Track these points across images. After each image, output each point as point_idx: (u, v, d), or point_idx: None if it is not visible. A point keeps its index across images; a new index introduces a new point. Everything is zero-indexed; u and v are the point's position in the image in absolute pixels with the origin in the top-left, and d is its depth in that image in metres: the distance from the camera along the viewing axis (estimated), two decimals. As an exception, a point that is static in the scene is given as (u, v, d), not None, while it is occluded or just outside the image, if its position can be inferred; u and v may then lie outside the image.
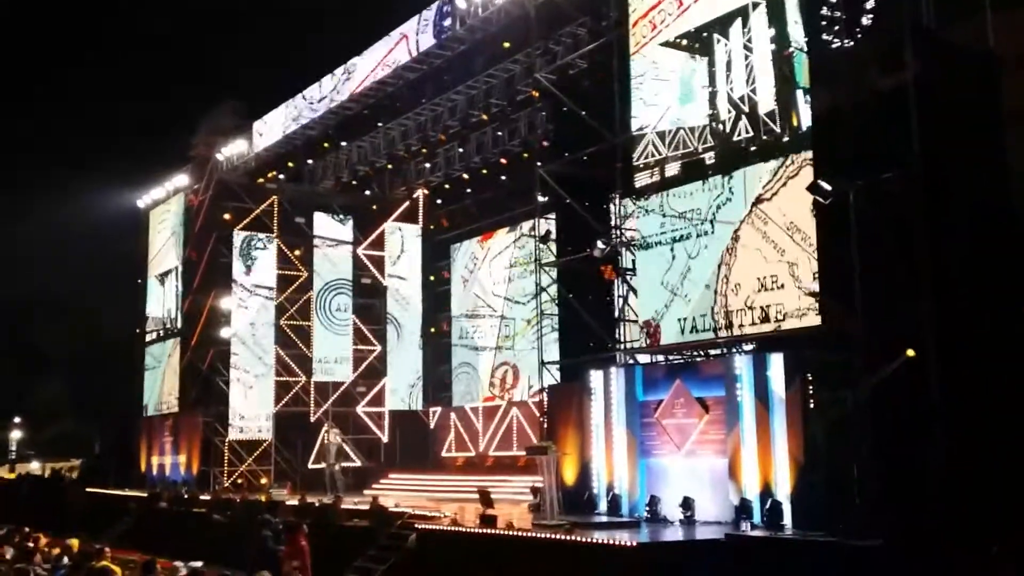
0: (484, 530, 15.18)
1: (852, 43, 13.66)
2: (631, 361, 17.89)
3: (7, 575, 11.24)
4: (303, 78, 26.79)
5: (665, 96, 17.23)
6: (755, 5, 15.60)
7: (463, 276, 29.68)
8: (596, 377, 17.68)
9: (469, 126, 24.99)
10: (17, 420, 52.85)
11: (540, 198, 20.78)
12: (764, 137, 15.33)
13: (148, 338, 34.11)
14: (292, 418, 28.99)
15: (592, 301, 19.18)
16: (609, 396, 17.31)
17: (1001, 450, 11.75)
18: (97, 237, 41.03)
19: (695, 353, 16.82)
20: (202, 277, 29.81)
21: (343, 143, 27.21)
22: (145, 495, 28.71)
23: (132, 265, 35.52)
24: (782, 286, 14.71)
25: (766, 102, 15.36)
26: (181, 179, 31.92)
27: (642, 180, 17.47)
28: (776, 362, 14.37)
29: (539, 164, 20.58)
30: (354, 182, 29.02)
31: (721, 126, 16.15)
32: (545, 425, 20.06)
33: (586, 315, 18.69)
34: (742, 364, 15.01)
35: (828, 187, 12.99)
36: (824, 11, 14.21)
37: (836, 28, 13.99)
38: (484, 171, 26.61)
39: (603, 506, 17.00)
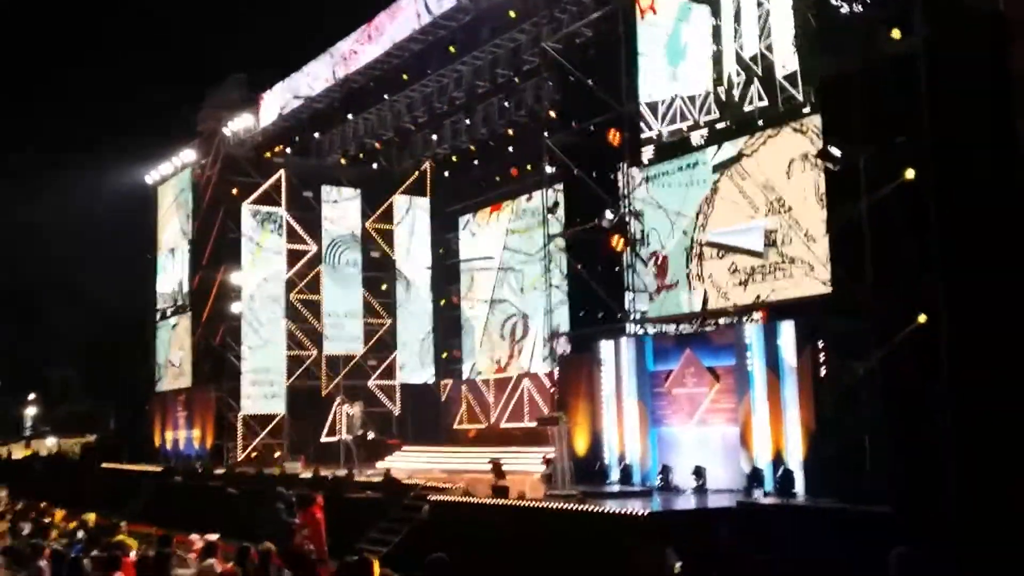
0: (496, 501, 15.27)
1: (861, 7, 13.48)
2: (641, 331, 17.88)
3: (24, 550, 11.34)
4: (309, 51, 26.66)
5: (663, 61, 17.08)
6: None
7: (471, 245, 29.68)
8: (606, 347, 17.69)
9: (475, 97, 24.84)
10: (31, 397, 53.26)
11: (547, 169, 20.68)
12: (782, 107, 15.14)
13: (159, 314, 34.23)
14: (304, 392, 29.13)
15: (601, 272, 19.13)
16: (619, 366, 17.32)
17: (1012, 418, 11.70)
18: (106, 214, 41.13)
19: (707, 324, 16.79)
20: (211, 252, 29.86)
21: (349, 116, 27.09)
22: (160, 470, 28.98)
23: (142, 241, 35.59)
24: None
25: (784, 61, 15.05)
26: (188, 154, 31.88)
27: (648, 153, 17.43)
28: (787, 331, 14.35)
29: (546, 135, 20.47)
30: (361, 155, 28.94)
31: (727, 92, 15.99)
32: (556, 396, 20.10)
33: (595, 285, 18.65)
34: (752, 333, 14.99)
35: (838, 154, 12.90)
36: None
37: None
38: (491, 142, 26.49)
39: (615, 476, 17.06)
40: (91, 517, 15.04)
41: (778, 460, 14.11)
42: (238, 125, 29.03)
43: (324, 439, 28.59)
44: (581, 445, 17.80)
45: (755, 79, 15.52)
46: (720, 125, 16.19)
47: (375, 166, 30.00)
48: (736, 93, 15.85)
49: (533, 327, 26.37)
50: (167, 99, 50.24)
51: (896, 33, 12.53)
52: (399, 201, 31.05)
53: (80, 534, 13.60)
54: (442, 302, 31.05)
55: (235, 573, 9.31)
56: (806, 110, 14.74)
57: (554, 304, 20.69)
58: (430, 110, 25.58)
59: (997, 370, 11.44)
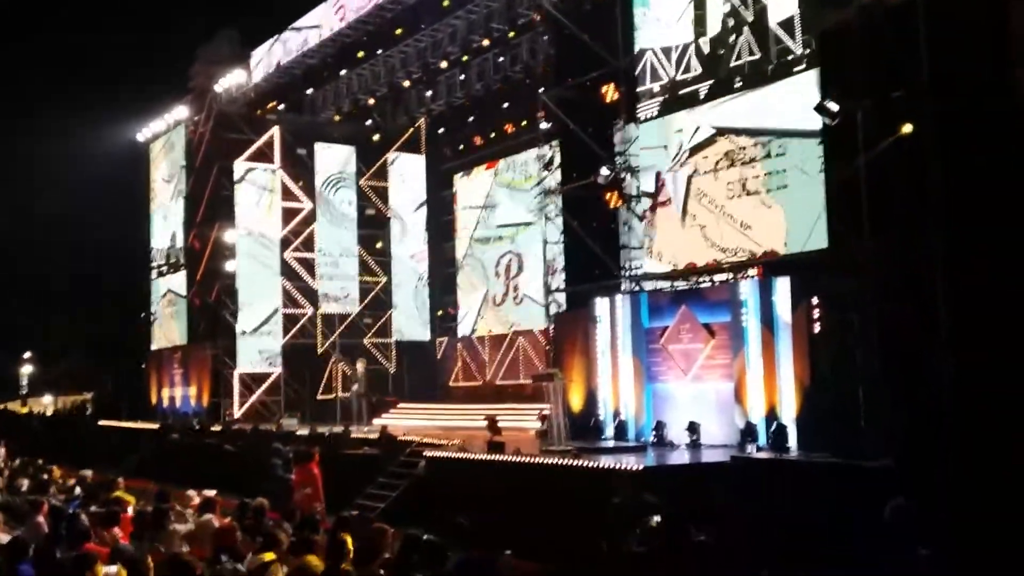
0: (492, 457, 15.34)
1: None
2: (636, 288, 17.87)
3: (22, 506, 11.38)
4: (301, 4, 26.32)
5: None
6: None
7: (466, 204, 29.57)
8: (601, 304, 17.69)
9: (470, 52, 24.59)
10: (27, 355, 53.29)
11: (543, 125, 20.53)
12: (776, 60, 14.98)
13: (154, 272, 34.15)
14: (300, 350, 29.17)
15: (596, 228, 19.06)
16: (615, 323, 17.34)
17: (1009, 373, 11.73)
18: (100, 172, 40.79)
19: (700, 279, 16.77)
20: (205, 210, 29.72)
21: (343, 72, 26.82)
22: (157, 427, 29.08)
23: (135, 200, 35.38)
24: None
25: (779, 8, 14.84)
26: (181, 111, 31.58)
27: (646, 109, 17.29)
28: (782, 287, 14.34)
29: (541, 90, 20.29)
30: (355, 112, 28.69)
31: (711, 45, 15.82)
32: (551, 353, 20.13)
33: (591, 242, 18.60)
34: (748, 289, 14.98)
35: (835, 107, 12.80)
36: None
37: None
38: (486, 98, 26.27)
39: (610, 432, 17.15)
40: (88, 474, 15.09)
41: (772, 415, 14.18)
42: (230, 82, 28.73)
43: (320, 396, 28.67)
44: (576, 401, 17.87)
45: (744, 27, 15.30)
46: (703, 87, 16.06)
47: (369, 123, 29.77)
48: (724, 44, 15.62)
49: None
50: (159, 55, 49.58)
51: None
52: (393, 158, 30.85)
53: (78, 490, 13.66)
54: (439, 313, 30.92)
55: (233, 528, 9.33)
56: (799, 67, 14.57)
57: (550, 260, 20.68)
58: (424, 65, 25.34)
59: (996, 324, 11.45)
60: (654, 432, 16.03)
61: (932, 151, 12.04)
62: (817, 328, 13.84)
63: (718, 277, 16.43)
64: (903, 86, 12.39)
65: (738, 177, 15.52)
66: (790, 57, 14.85)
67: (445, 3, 22.94)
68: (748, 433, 14.31)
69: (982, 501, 10.07)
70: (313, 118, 29.21)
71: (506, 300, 27.71)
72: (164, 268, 33.41)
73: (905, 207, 12.24)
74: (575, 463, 13.71)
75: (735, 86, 15.66)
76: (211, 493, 11.39)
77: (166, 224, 33.27)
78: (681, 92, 16.68)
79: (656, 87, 17.22)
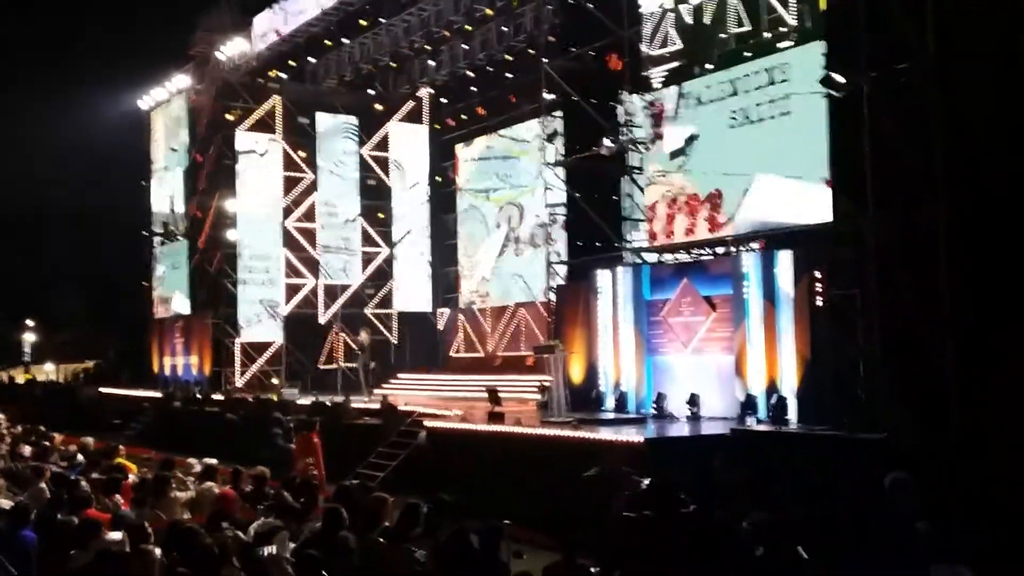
0: (492, 427, 15.39)
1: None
2: (638, 260, 17.84)
3: (24, 472, 11.44)
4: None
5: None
6: None
7: (468, 176, 29.48)
8: (603, 276, 17.67)
9: (473, 21, 24.40)
10: (30, 323, 53.40)
11: (546, 95, 20.41)
12: (767, 33, 14.83)
13: (155, 241, 34.13)
14: (302, 320, 29.21)
15: (599, 200, 19.01)
16: (616, 295, 17.32)
17: (1009, 347, 11.73)
18: (102, 140, 40.68)
19: (701, 252, 16.74)
20: (207, 179, 29.64)
21: (345, 40, 26.65)
22: (159, 395, 29.19)
23: (136, 168, 35.30)
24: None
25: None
26: (182, 79, 31.40)
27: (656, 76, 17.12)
28: (784, 260, 14.31)
29: (545, 60, 20.16)
30: (357, 81, 28.53)
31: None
32: (552, 325, 20.15)
33: (593, 214, 18.55)
34: (750, 262, 14.95)
35: (841, 80, 12.72)
36: None
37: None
38: (489, 68, 26.12)
39: (610, 403, 17.19)
40: (90, 441, 15.17)
41: (772, 388, 14.19)
42: (231, 50, 28.55)
43: (322, 366, 28.76)
44: (577, 373, 17.90)
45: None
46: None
47: (371, 92, 29.60)
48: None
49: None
50: (160, 23, 49.30)
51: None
52: (395, 128, 30.71)
53: (79, 457, 13.73)
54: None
55: (233, 496, 9.39)
56: (785, 44, 14.42)
57: (550, 231, 20.66)
58: (427, 35, 25.16)
59: (997, 299, 11.44)
60: (654, 404, 16.07)
61: (937, 123, 11.97)
62: (819, 301, 13.83)
63: (720, 249, 16.38)
64: (909, 58, 12.30)
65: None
66: (783, 29, 14.72)
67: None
68: (748, 405, 14.33)
69: (982, 475, 10.10)
70: (315, 87, 29.06)
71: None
72: (166, 237, 33.37)
73: (909, 180, 12.19)
74: (575, 434, 13.75)
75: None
76: (212, 461, 11.45)
77: (167, 193, 33.19)
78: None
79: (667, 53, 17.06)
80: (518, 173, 26.96)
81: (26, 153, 50.07)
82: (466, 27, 24.77)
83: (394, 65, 27.70)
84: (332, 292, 29.71)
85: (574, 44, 19.45)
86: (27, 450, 14.79)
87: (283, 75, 28.89)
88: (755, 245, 15.64)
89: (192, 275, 30.86)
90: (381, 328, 30.07)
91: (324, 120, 29.82)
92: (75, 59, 50.53)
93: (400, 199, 30.90)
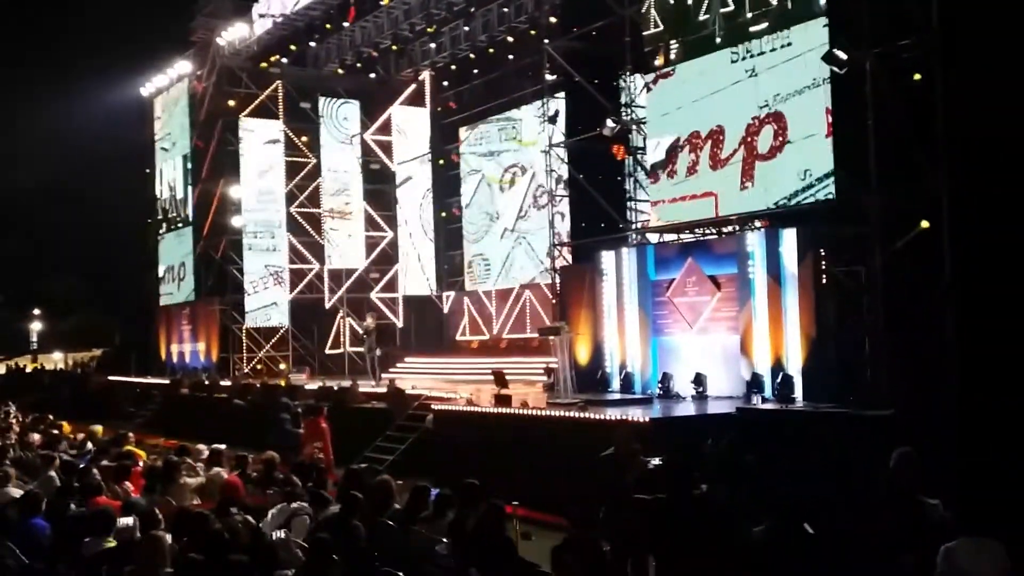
0: (499, 410, 15.44)
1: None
2: (643, 241, 17.82)
3: (34, 460, 11.53)
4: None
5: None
6: None
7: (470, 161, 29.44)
8: (608, 257, 17.66)
9: (474, 2, 24.30)
10: (37, 312, 53.58)
11: (548, 76, 20.35)
12: (766, 7, 14.75)
13: (161, 228, 34.20)
14: (307, 305, 29.27)
15: (603, 181, 18.98)
16: (621, 276, 17.32)
17: (1013, 323, 11.74)
18: (105, 126, 40.71)
19: (707, 231, 16.72)
20: (210, 165, 29.65)
21: (345, 24, 26.55)
22: (167, 382, 29.32)
23: (140, 155, 35.33)
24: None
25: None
26: (184, 65, 31.37)
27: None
28: (789, 238, 14.28)
29: (546, 41, 20.09)
30: (359, 65, 28.46)
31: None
32: (558, 307, 20.17)
33: (597, 195, 18.53)
34: (755, 241, 14.93)
35: (844, 56, 12.66)
36: None
37: None
38: (491, 50, 26.03)
39: (616, 384, 17.21)
40: (99, 429, 15.29)
41: (778, 367, 14.19)
42: (232, 35, 28.49)
43: (328, 351, 28.84)
44: (583, 354, 17.92)
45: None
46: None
47: (373, 76, 29.55)
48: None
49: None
50: (161, 8, 49.16)
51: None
52: (397, 112, 30.66)
53: (88, 445, 13.84)
54: (443, 213, 30.94)
55: (237, 483, 9.46)
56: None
57: (553, 214, 20.65)
58: (428, 17, 25.06)
59: (1000, 274, 11.43)
60: (660, 384, 16.08)
61: (940, 100, 11.92)
62: (824, 279, 13.82)
63: (725, 229, 16.36)
64: (913, 34, 12.24)
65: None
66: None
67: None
68: (754, 384, 14.32)
69: (986, 450, 10.12)
70: (316, 71, 29.00)
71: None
72: (171, 223, 33.44)
73: (912, 157, 12.16)
74: (582, 415, 13.78)
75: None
76: (221, 447, 11.53)
77: (171, 179, 33.23)
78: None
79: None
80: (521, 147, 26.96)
81: (29, 141, 50.13)
82: (467, 8, 24.66)
83: (395, 48, 27.60)
84: (337, 277, 29.75)
85: (576, 24, 19.35)
86: (36, 439, 14.90)
87: (284, 60, 28.82)
88: (759, 224, 15.61)
89: (197, 262, 30.93)
90: (387, 312, 30.12)
91: (326, 104, 29.78)
92: (77, 46, 50.42)
93: (403, 184, 30.89)
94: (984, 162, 11.69)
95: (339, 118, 29.94)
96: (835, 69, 12.99)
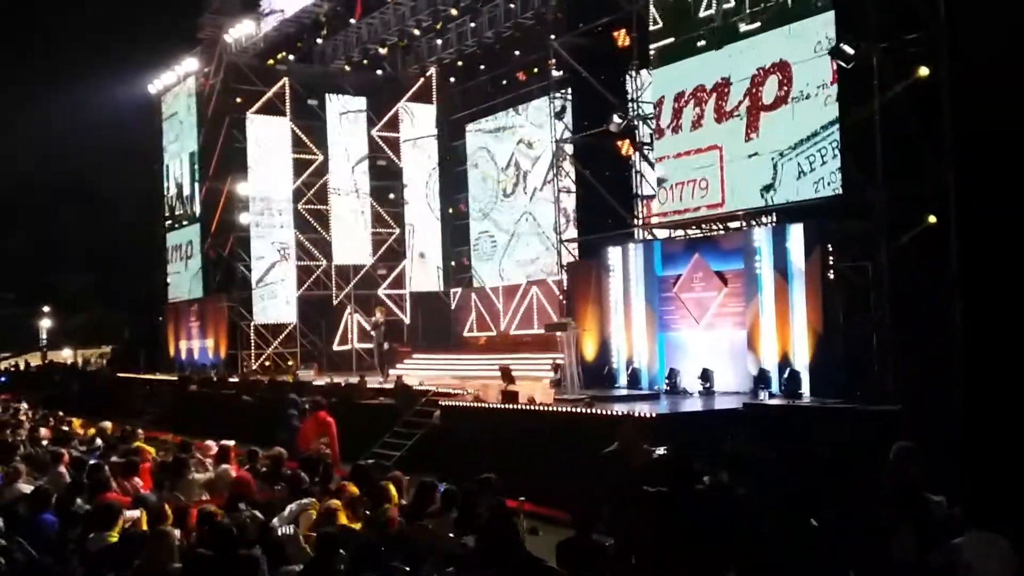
0: (506, 406, 15.46)
1: None
2: (650, 236, 17.81)
3: (43, 456, 11.59)
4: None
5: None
6: None
7: (477, 160, 29.50)
8: (614, 253, 17.66)
9: (481, -1, 24.31)
10: (46, 309, 53.76)
11: (555, 72, 20.34)
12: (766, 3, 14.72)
13: (168, 225, 34.30)
14: (315, 301, 29.33)
15: (609, 177, 18.97)
16: (628, 272, 17.32)
17: (1020, 318, 11.71)
18: (113, 123, 40.81)
19: (714, 226, 16.70)
20: (217, 163, 29.70)
21: (352, 21, 26.57)
22: (176, 379, 29.41)
23: (149, 151, 35.43)
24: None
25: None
26: (191, 63, 31.43)
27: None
28: (795, 233, 14.26)
29: (553, 37, 20.07)
30: (365, 62, 28.48)
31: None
32: (565, 303, 20.17)
33: (603, 191, 18.52)
34: (761, 236, 14.91)
35: (851, 51, 12.64)
36: None
37: None
38: (497, 46, 26.04)
39: (623, 380, 17.21)
40: (108, 425, 15.34)
41: (785, 362, 14.19)
42: (239, 32, 28.53)
43: (336, 347, 28.90)
44: (589, 350, 17.93)
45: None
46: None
47: (379, 73, 29.57)
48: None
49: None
50: (168, 5, 49.25)
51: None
52: (405, 108, 30.68)
53: (98, 441, 13.90)
54: (450, 210, 30.99)
55: (248, 478, 9.49)
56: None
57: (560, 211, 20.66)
58: (434, 13, 25.06)
59: (1007, 270, 11.40)
60: (667, 380, 16.08)
61: (947, 94, 11.90)
62: (830, 275, 13.80)
63: (732, 224, 16.34)
64: (919, 28, 12.21)
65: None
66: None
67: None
68: (761, 380, 14.33)
69: (992, 444, 10.10)
70: (323, 68, 29.03)
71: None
72: (178, 221, 33.53)
73: (918, 151, 12.13)
74: (589, 411, 13.80)
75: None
76: (229, 443, 11.57)
77: (179, 177, 33.32)
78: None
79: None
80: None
81: (37, 138, 50.28)
82: (473, 4, 24.65)
83: (402, 45, 27.61)
84: (344, 273, 29.80)
85: (581, 20, 19.34)
86: (46, 434, 14.97)
87: (291, 57, 28.85)
88: (766, 219, 15.59)
89: (205, 259, 31.01)
90: (394, 308, 30.17)
91: (333, 101, 29.80)
92: (85, 43, 50.55)
93: (411, 179, 30.93)
94: (990, 157, 11.65)
95: (346, 115, 29.96)
96: (842, 63, 12.96)
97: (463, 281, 30.25)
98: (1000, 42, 11.82)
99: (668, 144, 16.80)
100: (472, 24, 25.58)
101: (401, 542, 7.17)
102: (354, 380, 21.31)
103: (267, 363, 28.57)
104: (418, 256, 30.87)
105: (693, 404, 14.77)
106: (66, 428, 16.07)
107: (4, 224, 53.10)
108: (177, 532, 6.87)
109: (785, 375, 13.97)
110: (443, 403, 17.20)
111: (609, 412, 13.59)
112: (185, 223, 32.87)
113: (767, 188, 14.88)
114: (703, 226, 16.79)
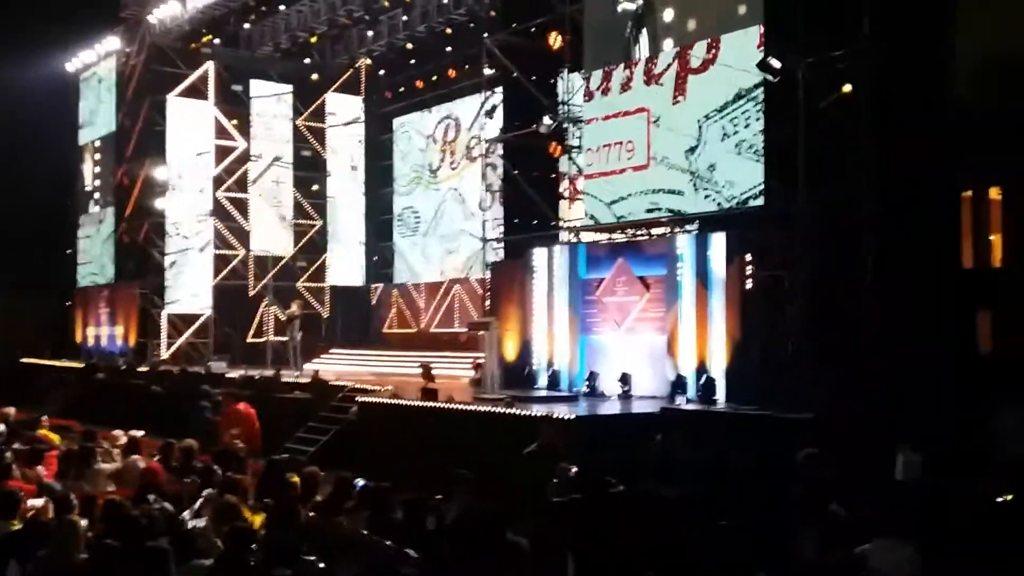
0: (425, 403, 15.35)
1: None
2: (575, 239, 17.91)
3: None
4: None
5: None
6: None
7: (404, 150, 29.31)
8: (539, 255, 17.71)
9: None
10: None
11: (486, 71, 20.31)
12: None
13: (81, 208, 33.22)
14: (231, 291, 28.69)
15: (537, 178, 19.02)
16: (552, 274, 17.39)
17: (930, 327, 12.09)
18: (26, 103, 39.27)
19: (637, 232, 16.87)
20: (136, 146, 28.86)
21: (281, 7, 26.13)
22: (82, 366, 28.50)
23: (63, 132, 34.24)
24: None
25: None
26: (112, 42, 30.47)
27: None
28: (717, 242, 14.49)
29: (486, 35, 20.04)
30: (293, 49, 28.03)
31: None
32: (488, 302, 20.16)
33: (531, 191, 18.55)
34: (684, 243, 15.12)
35: (777, 64, 12.89)
36: None
37: None
38: (429, 41, 25.89)
39: (543, 381, 17.27)
40: (11, 411, 14.75)
41: (702, 368, 14.41)
42: (164, 13, 27.77)
43: (251, 339, 28.33)
44: (511, 351, 17.94)
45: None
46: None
47: (307, 61, 29.11)
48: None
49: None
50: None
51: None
52: (332, 99, 30.27)
53: (1, 428, 13.36)
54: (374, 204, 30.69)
55: (159, 469, 9.24)
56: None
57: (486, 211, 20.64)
58: (366, 4, 24.80)
59: (922, 279, 11.76)
60: (586, 382, 16.18)
61: (868, 108, 12.23)
62: (749, 283, 14.05)
63: (656, 231, 16.52)
64: (845, 45, 12.52)
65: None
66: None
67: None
68: (678, 385, 14.52)
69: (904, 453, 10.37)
70: (250, 54, 28.46)
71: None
72: (92, 204, 32.50)
73: (840, 163, 12.45)
74: (507, 411, 13.79)
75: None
76: (138, 434, 11.26)
77: (94, 159, 32.31)
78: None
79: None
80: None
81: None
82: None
83: (332, 34, 27.24)
84: (263, 264, 29.24)
85: (515, 20, 19.35)
86: (-57, 420, 14.33)
87: (216, 40, 28.20)
88: (691, 227, 15.79)
89: (118, 243, 30.11)
90: (313, 302, 29.74)
91: (258, 88, 29.24)
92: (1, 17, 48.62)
93: (336, 171, 30.54)
94: (908, 171, 12.01)
95: (271, 102, 29.43)
96: (768, 77, 13.21)
97: (386, 276, 29.97)
98: (920, 59, 12.21)
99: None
100: (404, 17, 25.39)
101: (314, 536, 7.04)
102: (269, 373, 20.94)
103: (178, 352, 27.87)
104: (357, 243, 30.52)
105: (611, 407, 14.88)
106: (-35, 414, 15.41)
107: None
108: (84, 522, 6.63)
109: (702, 381, 14.18)
110: (360, 399, 17.00)
111: (528, 413, 13.60)
112: (99, 206, 31.87)
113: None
114: (627, 231, 16.93)
